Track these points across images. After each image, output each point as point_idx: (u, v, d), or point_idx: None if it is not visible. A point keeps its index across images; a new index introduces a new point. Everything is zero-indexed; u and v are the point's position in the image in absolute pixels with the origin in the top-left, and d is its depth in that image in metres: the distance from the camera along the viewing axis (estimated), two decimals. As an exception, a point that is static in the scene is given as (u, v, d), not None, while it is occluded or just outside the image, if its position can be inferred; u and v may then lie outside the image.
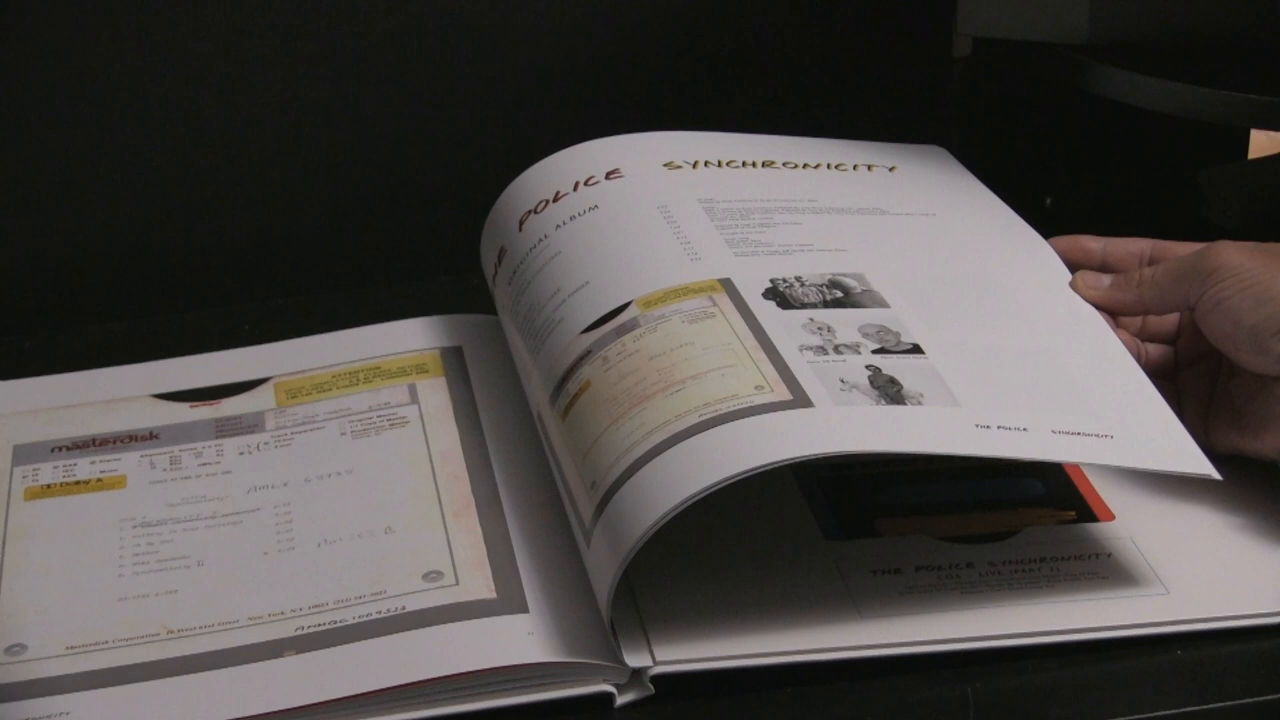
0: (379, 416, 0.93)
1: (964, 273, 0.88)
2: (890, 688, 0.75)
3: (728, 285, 0.84)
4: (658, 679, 0.74)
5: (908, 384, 0.78)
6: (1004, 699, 0.75)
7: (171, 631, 0.79)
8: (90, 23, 1.05)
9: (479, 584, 0.80)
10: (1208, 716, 0.75)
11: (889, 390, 0.77)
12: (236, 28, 1.08)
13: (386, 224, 1.13)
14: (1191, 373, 0.86)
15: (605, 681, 0.75)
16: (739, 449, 0.74)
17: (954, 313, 0.84)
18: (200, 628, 0.79)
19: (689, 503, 0.73)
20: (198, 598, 0.81)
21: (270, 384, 0.97)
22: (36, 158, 1.08)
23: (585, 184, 0.94)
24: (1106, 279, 0.87)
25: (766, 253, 0.87)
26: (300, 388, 0.96)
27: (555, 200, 0.93)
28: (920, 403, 0.77)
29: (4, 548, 0.85)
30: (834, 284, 0.85)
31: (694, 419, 0.76)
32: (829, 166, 0.98)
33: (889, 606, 0.78)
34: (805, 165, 0.97)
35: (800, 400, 0.76)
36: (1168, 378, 0.86)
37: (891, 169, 0.99)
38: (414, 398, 0.94)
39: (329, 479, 0.88)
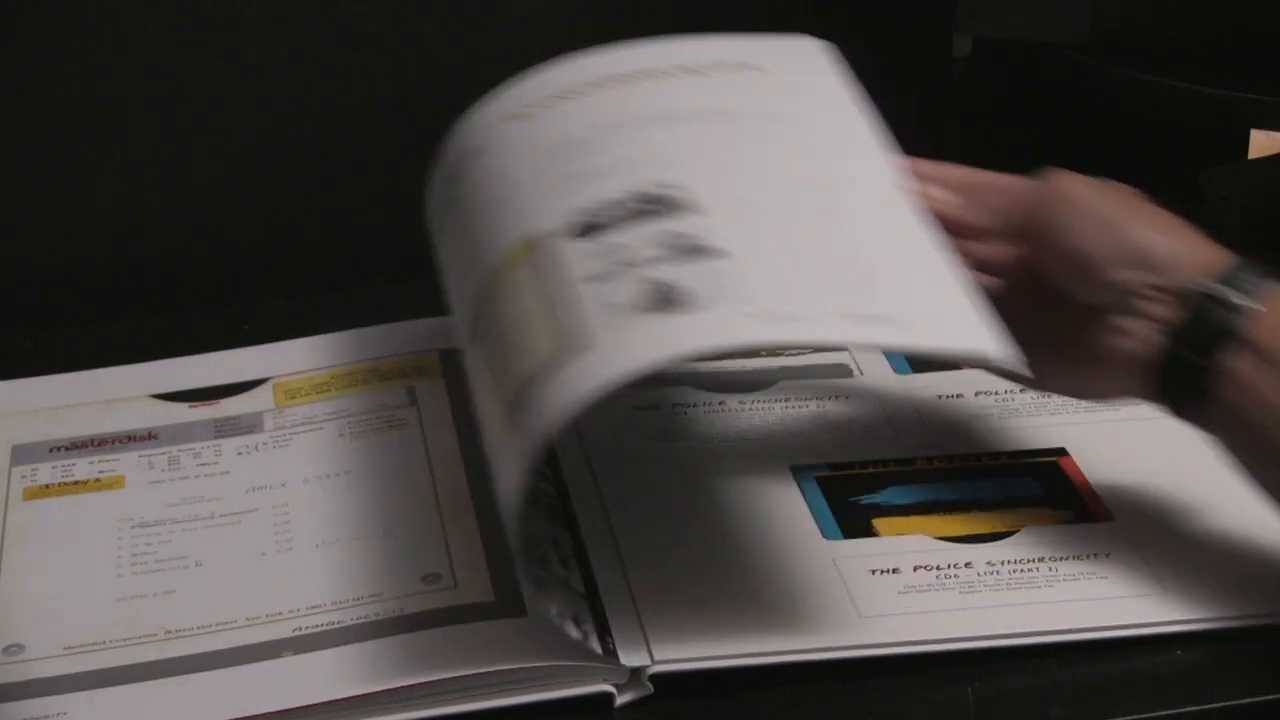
0: (378, 418, 0.93)
1: (795, 174, 0.82)
2: (890, 688, 0.75)
3: (540, 240, 0.80)
4: (657, 678, 0.74)
5: (691, 289, 0.74)
6: (1004, 699, 0.75)
7: (170, 632, 0.79)
8: (90, 23, 1.05)
9: (477, 586, 0.80)
10: (1207, 716, 0.75)
11: (664, 299, 0.74)
12: (237, 28, 1.08)
13: (386, 224, 1.13)
14: (1018, 305, 0.82)
15: (605, 681, 0.74)
16: (533, 431, 0.71)
17: (771, 212, 0.80)
18: (198, 628, 0.79)
19: (514, 509, 0.72)
20: (196, 598, 0.81)
21: (269, 384, 0.97)
22: (36, 158, 1.08)
23: (456, 168, 0.92)
24: (954, 198, 0.83)
25: (587, 181, 0.82)
26: (299, 388, 0.96)
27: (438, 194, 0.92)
28: (697, 307, 0.73)
29: (2, 548, 0.85)
30: (645, 198, 0.80)
31: (505, 417, 0.74)
32: (689, 71, 0.90)
33: (887, 606, 0.78)
34: (664, 73, 0.90)
35: (583, 345, 0.73)
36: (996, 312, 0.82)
37: (760, 69, 0.91)
38: (413, 399, 0.94)
39: (327, 480, 0.88)
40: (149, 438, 0.93)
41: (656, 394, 0.94)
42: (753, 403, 0.93)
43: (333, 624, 0.78)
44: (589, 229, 0.78)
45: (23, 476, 0.90)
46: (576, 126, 0.85)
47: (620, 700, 0.74)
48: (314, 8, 1.08)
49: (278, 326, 1.02)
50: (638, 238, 0.77)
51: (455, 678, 0.73)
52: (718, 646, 0.75)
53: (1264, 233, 1.08)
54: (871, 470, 0.88)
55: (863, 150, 0.85)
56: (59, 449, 0.92)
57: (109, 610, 0.80)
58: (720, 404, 0.93)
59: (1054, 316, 0.80)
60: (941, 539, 0.82)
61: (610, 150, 0.83)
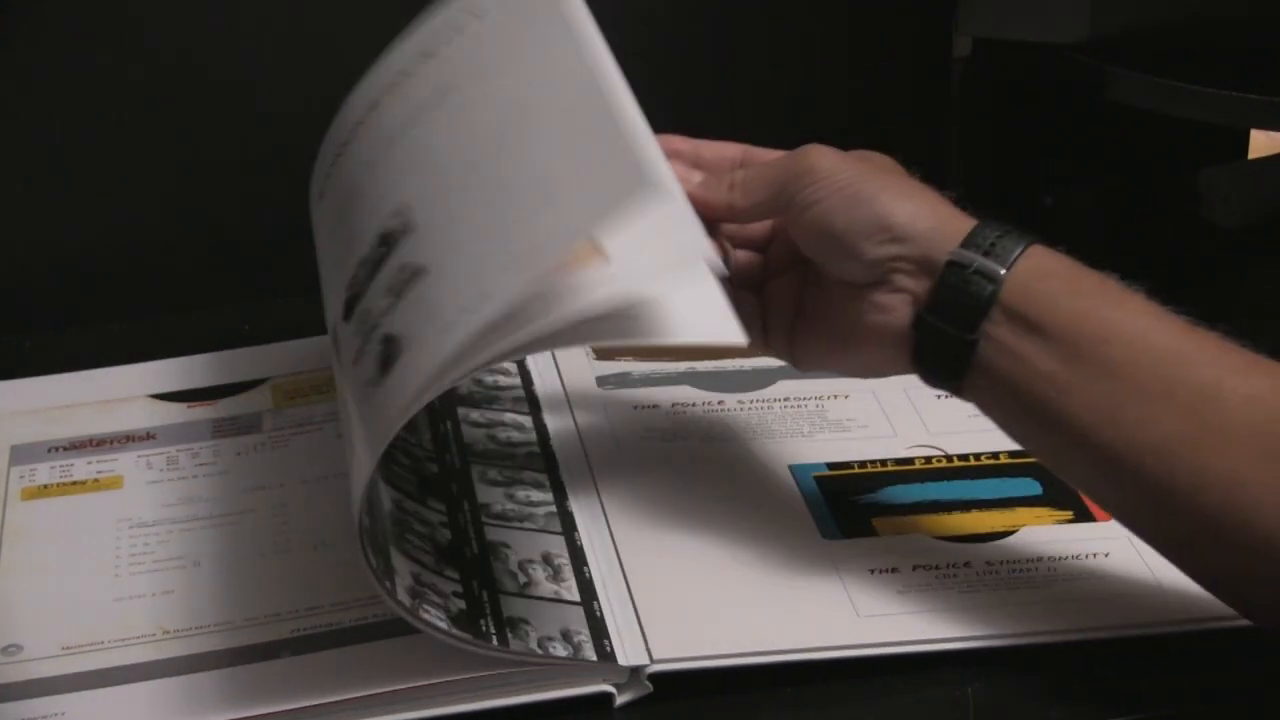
0: (376, 418, 0.92)
1: (501, 134, 0.77)
2: (889, 688, 0.75)
3: (335, 335, 0.77)
4: (656, 678, 0.74)
5: (401, 330, 0.71)
6: (1004, 699, 0.75)
7: (167, 632, 0.79)
8: (91, 23, 1.05)
9: (476, 586, 0.80)
10: (1207, 716, 0.74)
11: (388, 356, 0.70)
12: (237, 27, 1.08)
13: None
14: (780, 284, 0.81)
15: (604, 681, 0.74)
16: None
17: (470, 196, 0.74)
18: (196, 628, 0.79)
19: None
20: (194, 598, 0.81)
21: (268, 385, 0.96)
22: (36, 158, 1.08)
23: None
24: (697, 175, 0.81)
25: (350, 244, 0.78)
26: (298, 389, 0.96)
27: None
28: (406, 350, 0.70)
29: (0, 548, 0.85)
30: (382, 239, 0.75)
31: None
32: (426, 56, 0.83)
33: (887, 606, 0.78)
34: (409, 72, 0.83)
35: (352, 443, 0.72)
36: (755, 288, 0.82)
37: (479, 15, 0.83)
38: (411, 399, 0.94)
39: (325, 481, 0.88)
40: (147, 438, 0.93)
41: (656, 394, 0.94)
42: (752, 402, 0.93)
43: (331, 625, 0.78)
44: (351, 304, 0.75)
45: (21, 477, 0.90)
46: (346, 182, 0.82)
47: (620, 700, 0.74)
48: (314, 8, 1.08)
49: (277, 327, 1.02)
50: (376, 291, 0.74)
51: (454, 679, 0.73)
52: (717, 646, 0.75)
53: (1264, 233, 1.08)
54: (871, 470, 0.88)
55: (577, 75, 0.77)
56: (57, 449, 0.92)
57: (107, 610, 0.80)
58: (720, 403, 0.93)
59: (814, 294, 0.80)
60: (941, 539, 0.82)
61: (365, 195, 0.80)
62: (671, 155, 0.79)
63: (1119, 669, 0.76)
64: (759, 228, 0.82)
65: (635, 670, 0.74)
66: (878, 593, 0.79)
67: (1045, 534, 0.83)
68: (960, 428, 0.90)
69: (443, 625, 0.73)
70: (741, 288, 0.80)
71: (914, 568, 0.80)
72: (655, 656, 0.74)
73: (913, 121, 1.17)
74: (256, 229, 1.12)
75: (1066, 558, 0.81)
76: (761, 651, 0.75)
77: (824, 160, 0.77)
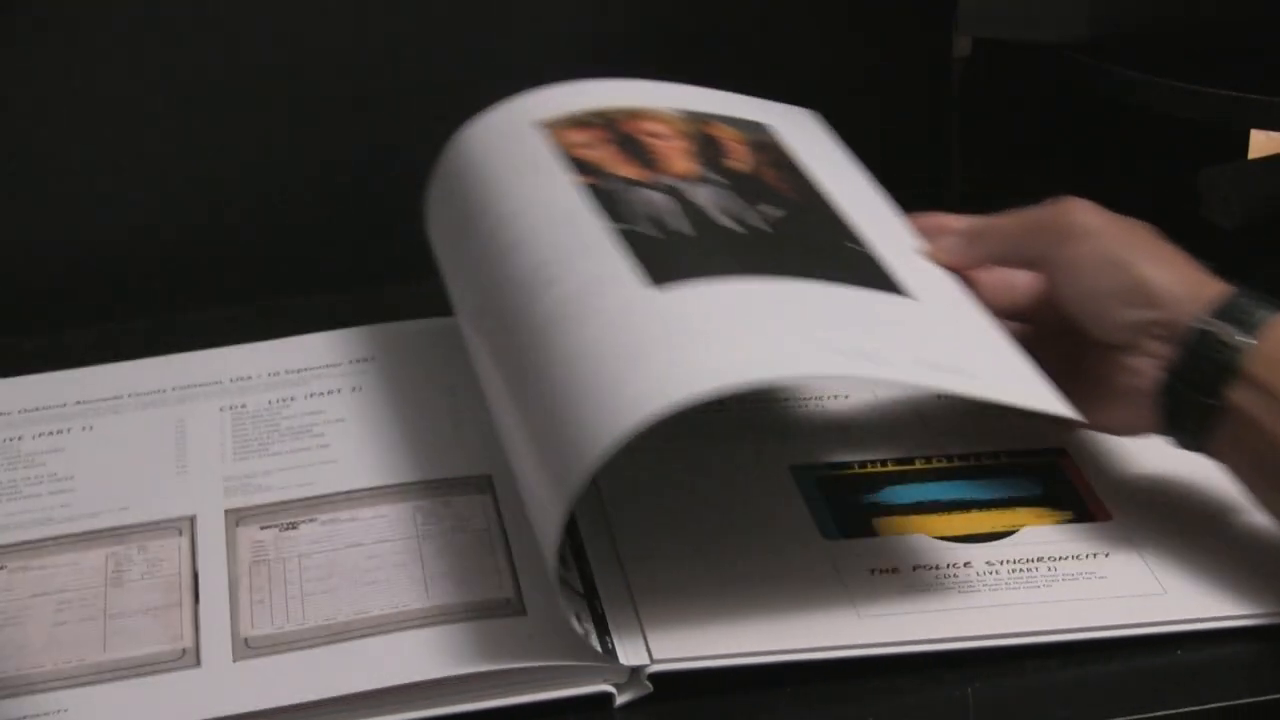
0: (379, 417, 0.93)
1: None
2: (889, 688, 0.75)
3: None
4: (656, 678, 0.74)
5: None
6: (1004, 699, 0.75)
7: (169, 630, 0.79)
8: (91, 23, 1.05)
9: (478, 586, 0.80)
10: (1208, 716, 0.74)
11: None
12: (239, 26, 1.08)
13: (388, 224, 1.13)
14: (1045, 347, 0.83)
15: (604, 681, 0.74)
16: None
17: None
18: (196, 627, 0.79)
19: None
20: (194, 597, 0.81)
21: (270, 385, 0.96)
22: (36, 158, 1.08)
23: None
24: (956, 240, 0.85)
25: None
26: (299, 389, 0.96)
27: None
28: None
29: (1, 547, 0.85)
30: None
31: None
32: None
33: (887, 605, 0.78)
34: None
35: None
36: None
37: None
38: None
39: (325, 480, 0.88)
40: (148, 436, 0.93)
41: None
42: (753, 403, 0.93)
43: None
44: None
45: (22, 476, 0.90)
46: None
47: (620, 700, 0.74)
48: (318, 7, 1.08)
49: (278, 326, 1.01)
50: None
51: (454, 678, 0.73)
52: (717, 646, 0.75)
53: (1264, 233, 1.08)
54: (871, 470, 0.88)
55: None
56: (58, 449, 0.92)
57: (108, 609, 0.80)
58: (720, 404, 0.93)
59: (1072, 354, 0.82)
60: (941, 539, 0.82)
61: None
62: (939, 231, 0.84)
63: (1119, 669, 0.76)
64: (1025, 298, 0.84)
65: (635, 670, 0.74)
66: (878, 593, 0.79)
67: (1045, 534, 0.83)
68: (960, 428, 0.90)
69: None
70: None
71: (914, 568, 0.80)
72: (655, 656, 0.75)
73: (912, 121, 1.17)
74: (257, 229, 1.12)
75: (1066, 558, 0.81)
76: (761, 651, 0.75)
77: (1085, 217, 0.80)
